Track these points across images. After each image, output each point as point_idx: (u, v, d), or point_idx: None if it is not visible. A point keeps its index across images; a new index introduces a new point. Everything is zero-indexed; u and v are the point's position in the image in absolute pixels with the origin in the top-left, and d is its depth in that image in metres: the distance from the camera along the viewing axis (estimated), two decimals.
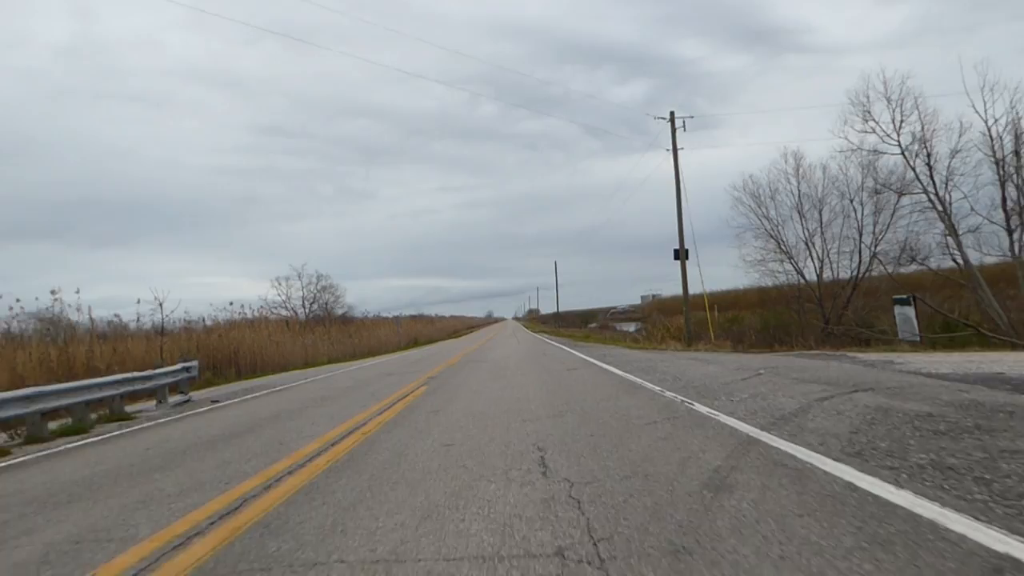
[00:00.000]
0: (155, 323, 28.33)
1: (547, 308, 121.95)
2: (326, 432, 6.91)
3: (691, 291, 26.66)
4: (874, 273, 26.26)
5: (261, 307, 34.26)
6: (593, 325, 64.22)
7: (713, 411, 6.25)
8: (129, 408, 12.63)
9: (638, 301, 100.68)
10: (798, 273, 27.39)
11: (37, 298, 21.64)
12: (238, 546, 3.24)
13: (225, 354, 26.56)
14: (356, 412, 8.46)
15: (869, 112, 21.61)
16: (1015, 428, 4.56)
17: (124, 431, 9.05)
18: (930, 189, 20.72)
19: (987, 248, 19.70)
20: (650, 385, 8.95)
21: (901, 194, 21.23)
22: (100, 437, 8.60)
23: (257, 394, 13.48)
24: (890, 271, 25.22)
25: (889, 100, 21.08)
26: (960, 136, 19.80)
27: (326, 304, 44.73)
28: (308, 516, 3.70)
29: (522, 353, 20.88)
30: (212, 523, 3.70)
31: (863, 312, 26.11)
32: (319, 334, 36.71)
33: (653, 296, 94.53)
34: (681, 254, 25.23)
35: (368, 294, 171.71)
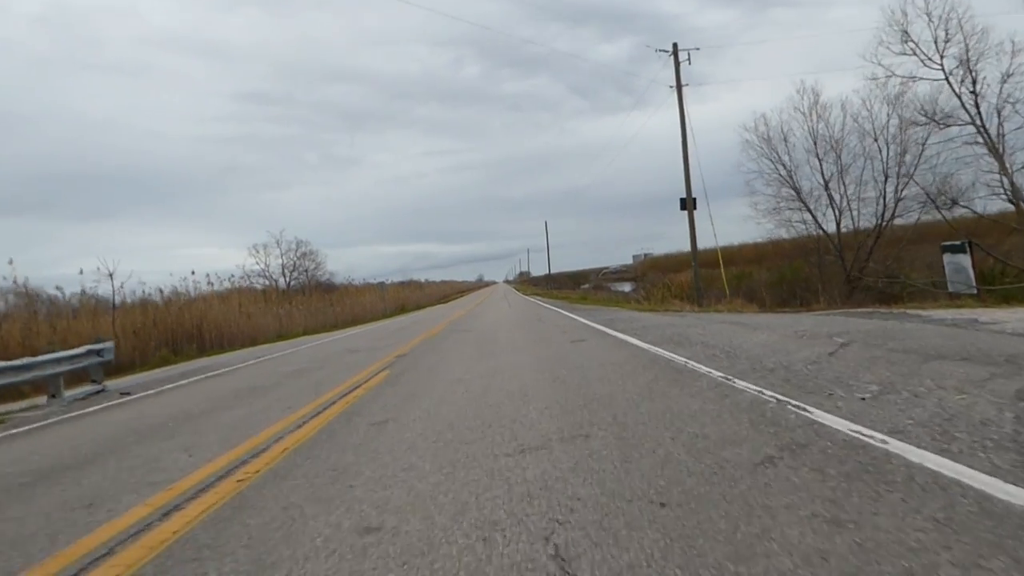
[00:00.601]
0: (144, 294, 25.53)
1: (538, 270, 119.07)
2: (173, 483, 4.07)
3: (699, 245, 23.80)
4: (897, 221, 23.55)
5: (232, 276, 31.13)
6: (586, 286, 61.51)
7: (877, 435, 3.40)
8: (10, 406, 9.77)
9: (629, 261, 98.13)
10: (815, 223, 24.57)
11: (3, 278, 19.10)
12: None
13: (187, 329, 23.67)
14: (264, 425, 5.63)
15: (907, 32, 18.53)
16: None
17: None
18: (977, 121, 17.80)
19: None
20: (700, 367, 6.14)
21: (945, 125, 18.25)
22: None
23: (184, 382, 10.60)
24: (919, 217, 22.50)
25: (931, 17, 17.99)
26: (1012, 58, 16.83)
27: (307, 271, 41.66)
28: None
29: (514, 319, 18.04)
30: None
31: (887, 263, 23.50)
32: (297, 303, 33.76)
33: (645, 255, 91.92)
34: (688, 203, 22.28)
35: (357, 261, 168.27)
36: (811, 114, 24.07)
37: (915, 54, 17.75)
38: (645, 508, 2.58)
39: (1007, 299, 12.89)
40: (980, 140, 17.35)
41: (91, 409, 8.27)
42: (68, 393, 9.94)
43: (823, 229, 24.34)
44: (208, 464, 4.19)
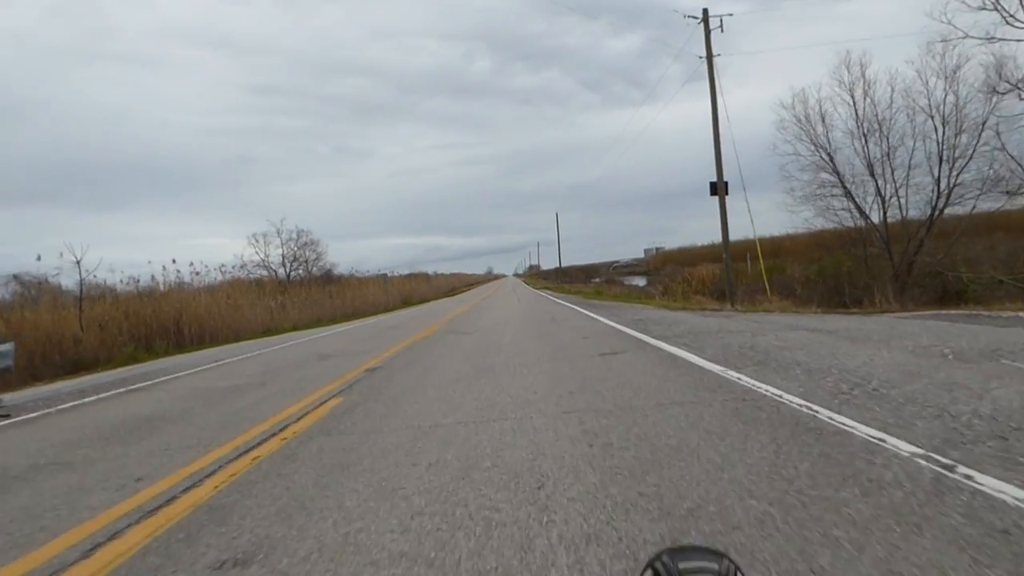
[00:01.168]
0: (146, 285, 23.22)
1: (547, 264, 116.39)
2: None
3: (713, 239, 21.00)
4: (951, 210, 20.65)
5: (224, 265, 28.60)
6: (597, 280, 58.62)
7: None
8: None
9: (640, 255, 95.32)
10: (859, 212, 21.62)
11: None
12: None
13: (163, 322, 21.20)
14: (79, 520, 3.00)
15: None
16: None
17: None
18: None
19: None
20: (847, 421, 3.44)
21: None
22: None
23: (91, 399, 8.00)
24: (975, 205, 19.63)
25: None
26: None
27: (306, 262, 39.14)
28: None
29: (523, 318, 15.33)
30: None
31: (939, 257, 20.65)
32: (291, 295, 31.24)
33: (656, 249, 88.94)
34: (720, 187, 19.46)
35: (368, 253, 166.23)
36: (854, 89, 21.13)
37: (996, 8, 14.80)
38: None
39: None
40: None
41: None
42: None
43: (868, 218, 21.44)
44: None
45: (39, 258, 18.99)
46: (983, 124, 18.45)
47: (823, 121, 21.78)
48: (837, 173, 21.71)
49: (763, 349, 6.47)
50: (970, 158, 18.96)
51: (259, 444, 4.22)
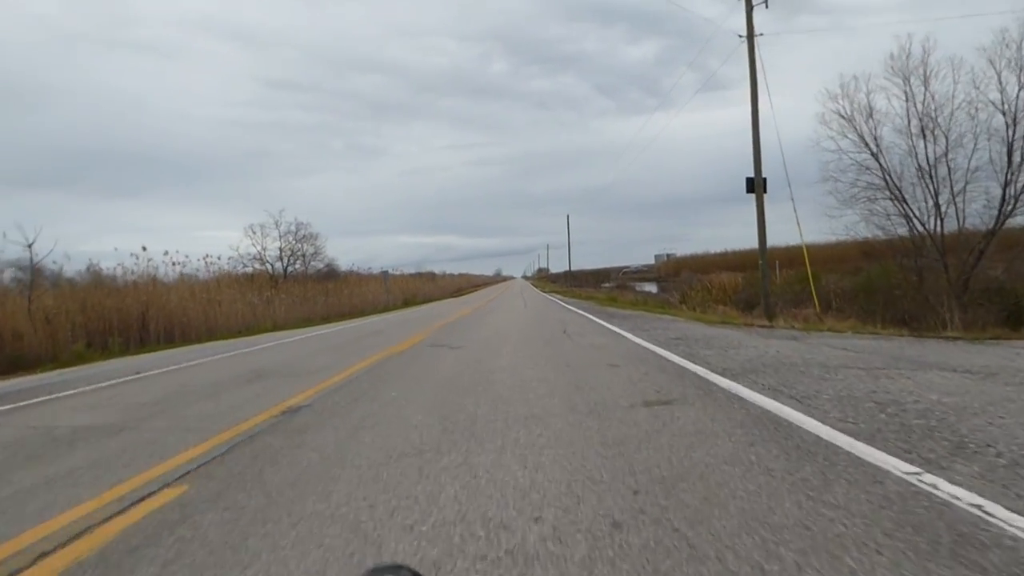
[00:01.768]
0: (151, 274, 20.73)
1: (556, 267, 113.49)
2: None
3: (721, 248, 18.23)
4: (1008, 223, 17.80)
5: (208, 255, 26.02)
6: (608, 285, 55.76)
7: None
8: None
9: (650, 261, 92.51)
10: (914, 218, 18.74)
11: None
12: None
13: (126, 317, 18.65)
14: None
15: None
16: None
17: None
18: None
19: None
20: None
21: None
22: None
23: None
24: None
25: None
26: None
27: (303, 256, 36.55)
28: None
29: (529, 329, 12.57)
30: None
31: (1000, 271, 17.84)
32: (283, 291, 28.67)
33: (668, 255, 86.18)
34: (757, 184, 16.70)
35: (379, 250, 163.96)
36: (911, 79, 18.26)
37: None
38: None
39: None
40: None
41: None
42: None
43: (924, 227, 18.56)
44: None
45: None
46: None
47: (871, 116, 18.95)
48: (887, 175, 18.85)
49: (917, 405, 3.74)
50: None
51: None
